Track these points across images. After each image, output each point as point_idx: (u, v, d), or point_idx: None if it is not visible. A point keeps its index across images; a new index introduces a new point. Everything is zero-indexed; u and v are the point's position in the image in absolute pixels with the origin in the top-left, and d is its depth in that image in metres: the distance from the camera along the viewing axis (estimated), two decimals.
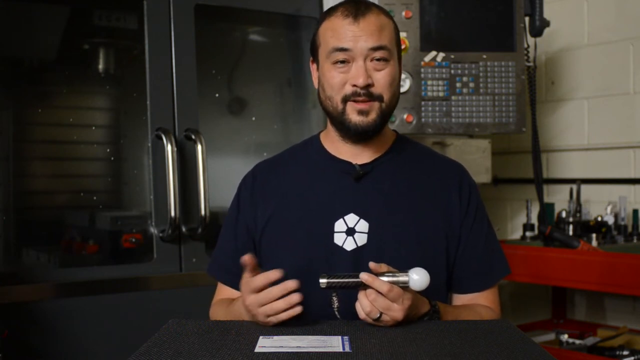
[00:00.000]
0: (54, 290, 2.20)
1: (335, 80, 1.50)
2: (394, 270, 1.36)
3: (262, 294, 1.36)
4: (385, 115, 1.53)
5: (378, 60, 1.49)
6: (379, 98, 1.50)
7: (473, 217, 1.59)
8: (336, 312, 1.38)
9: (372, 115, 1.51)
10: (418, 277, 1.34)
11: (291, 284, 1.35)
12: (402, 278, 1.34)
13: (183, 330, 1.35)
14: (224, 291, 1.64)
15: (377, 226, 1.52)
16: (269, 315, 1.36)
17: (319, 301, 1.41)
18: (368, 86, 1.48)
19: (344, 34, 1.48)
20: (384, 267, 1.36)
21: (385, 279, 1.34)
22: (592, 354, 2.65)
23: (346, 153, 1.58)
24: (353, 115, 1.50)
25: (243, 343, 1.25)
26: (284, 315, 1.35)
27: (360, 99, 1.49)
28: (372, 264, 1.35)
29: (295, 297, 1.34)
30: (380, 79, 1.50)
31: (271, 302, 1.35)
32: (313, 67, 1.60)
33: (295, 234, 1.55)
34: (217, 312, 1.60)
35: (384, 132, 1.59)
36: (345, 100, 1.50)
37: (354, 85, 1.48)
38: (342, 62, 1.49)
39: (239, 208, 1.63)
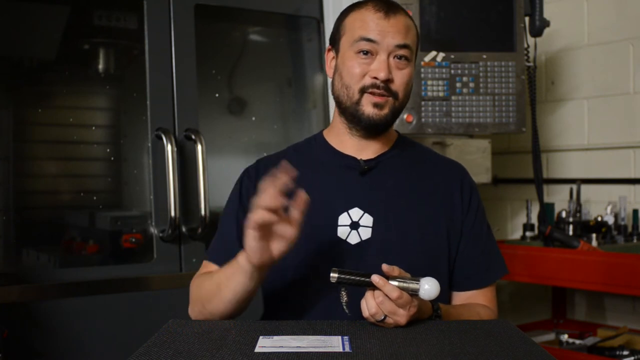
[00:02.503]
0: (54, 290, 2.20)
1: (355, 70, 1.51)
2: (405, 274, 1.35)
3: (268, 213, 1.31)
4: (396, 113, 1.55)
5: (400, 58, 1.51)
6: (395, 95, 1.52)
7: (474, 216, 1.60)
8: (345, 307, 1.38)
9: (385, 110, 1.52)
10: (429, 287, 1.33)
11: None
12: (412, 285, 1.33)
13: (183, 330, 1.35)
14: (211, 267, 1.61)
15: (381, 220, 1.53)
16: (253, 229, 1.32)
17: (321, 292, 1.41)
18: (387, 81, 1.50)
19: (374, 26, 1.50)
20: (396, 270, 1.35)
21: (395, 283, 1.32)
22: (592, 354, 2.65)
23: (351, 148, 1.59)
24: (368, 107, 1.52)
25: (243, 343, 1.25)
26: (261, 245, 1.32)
27: (378, 91, 1.50)
28: (385, 266, 1.35)
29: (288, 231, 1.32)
30: (400, 77, 1.52)
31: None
32: (329, 55, 1.61)
33: (299, 227, 1.55)
34: (202, 281, 1.56)
35: (389, 130, 1.61)
36: (362, 91, 1.52)
37: (374, 78, 1.50)
38: (366, 53, 1.51)
39: (241, 197, 1.62)
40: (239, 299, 1.46)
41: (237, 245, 1.56)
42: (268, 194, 1.30)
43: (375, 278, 1.33)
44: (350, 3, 1.61)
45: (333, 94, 1.59)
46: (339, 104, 1.58)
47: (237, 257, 1.43)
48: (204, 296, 1.52)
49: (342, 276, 1.34)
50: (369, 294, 1.34)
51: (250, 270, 1.40)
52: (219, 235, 1.66)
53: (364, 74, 1.51)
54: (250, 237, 1.34)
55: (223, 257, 1.59)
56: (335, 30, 1.60)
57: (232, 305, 1.47)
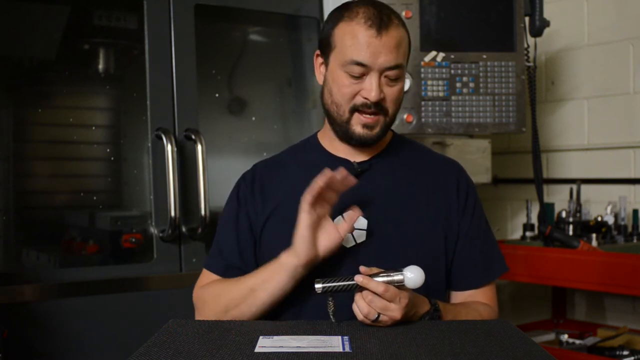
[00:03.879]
0: (54, 290, 2.20)
1: (346, 89, 1.49)
2: (386, 271, 1.36)
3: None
4: (387, 128, 1.56)
5: (391, 78, 1.49)
6: (386, 112, 1.52)
7: (471, 214, 1.59)
8: (331, 316, 1.38)
9: (377, 130, 1.52)
10: (413, 275, 1.34)
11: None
12: (396, 277, 1.34)
13: (183, 330, 1.35)
14: (213, 277, 1.61)
15: (376, 223, 1.52)
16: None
17: (317, 299, 1.40)
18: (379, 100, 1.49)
19: (365, 47, 1.46)
20: (374, 269, 1.36)
21: (379, 279, 1.33)
22: (592, 354, 2.65)
23: (344, 151, 1.59)
24: (357, 127, 1.52)
25: (243, 343, 1.25)
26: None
27: (369, 111, 1.50)
28: (362, 268, 1.36)
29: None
30: (391, 94, 1.50)
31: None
32: (318, 61, 1.58)
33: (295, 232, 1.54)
34: (225, 288, 1.55)
35: None
36: (353, 110, 1.51)
37: (365, 98, 1.48)
38: (358, 76, 1.49)
39: (239, 202, 1.62)
40: (273, 300, 1.48)
41: (237, 251, 1.58)
42: (323, 176, 1.39)
43: (359, 278, 1.34)
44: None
45: (322, 104, 1.58)
46: (328, 117, 1.57)
47: (279, 257, 1.46)
48: (228, 302, 1.51)
49: (327, 285, 1.35)
50: (357, 297, 1.35)
51: (293, 267, 1.43)
52: (217, 244, 1.66)
53: (354, 94, 1.49)
54: (303, 225, 1.40)
55: (224, 267, 1.61)
56: (324, 37, 1.54)
57: (265, 307, 1.48)
